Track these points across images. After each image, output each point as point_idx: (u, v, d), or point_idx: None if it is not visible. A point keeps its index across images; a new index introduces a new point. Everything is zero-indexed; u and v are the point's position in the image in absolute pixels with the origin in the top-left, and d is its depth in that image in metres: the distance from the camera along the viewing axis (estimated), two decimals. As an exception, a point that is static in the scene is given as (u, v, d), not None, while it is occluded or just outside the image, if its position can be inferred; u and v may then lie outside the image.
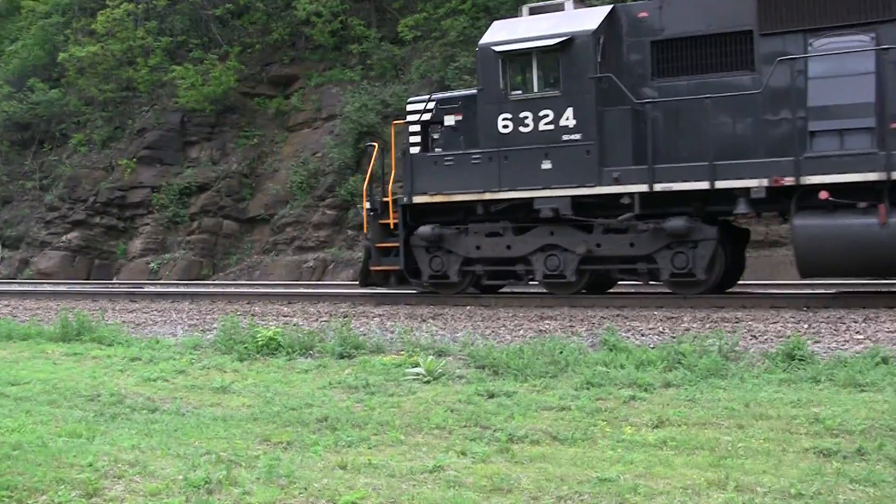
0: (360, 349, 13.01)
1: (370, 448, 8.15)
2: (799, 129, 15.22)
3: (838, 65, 15.01)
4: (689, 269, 16.05)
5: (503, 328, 14.51)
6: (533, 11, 17.81)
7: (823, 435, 7.94)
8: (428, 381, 10.88)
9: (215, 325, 15.76)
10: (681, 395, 9.60)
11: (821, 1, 15.31)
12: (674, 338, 12.48)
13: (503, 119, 17.17)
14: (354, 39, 34.84)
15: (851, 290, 16.79)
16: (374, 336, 13.89)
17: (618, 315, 15.05)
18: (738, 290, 17.57)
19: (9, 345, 15.48)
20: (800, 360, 10.74)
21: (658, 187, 16.00)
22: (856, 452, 7.38)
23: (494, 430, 8.48)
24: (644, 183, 16.10)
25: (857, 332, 12.48)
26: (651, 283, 16.97)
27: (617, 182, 16.31)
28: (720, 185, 15.57)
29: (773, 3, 15.63)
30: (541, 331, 13.97)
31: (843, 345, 11.81)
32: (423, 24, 32.91)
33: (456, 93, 19.77)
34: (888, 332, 12.41)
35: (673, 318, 14.46)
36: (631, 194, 16.25)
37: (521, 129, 16.99)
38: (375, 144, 19.74)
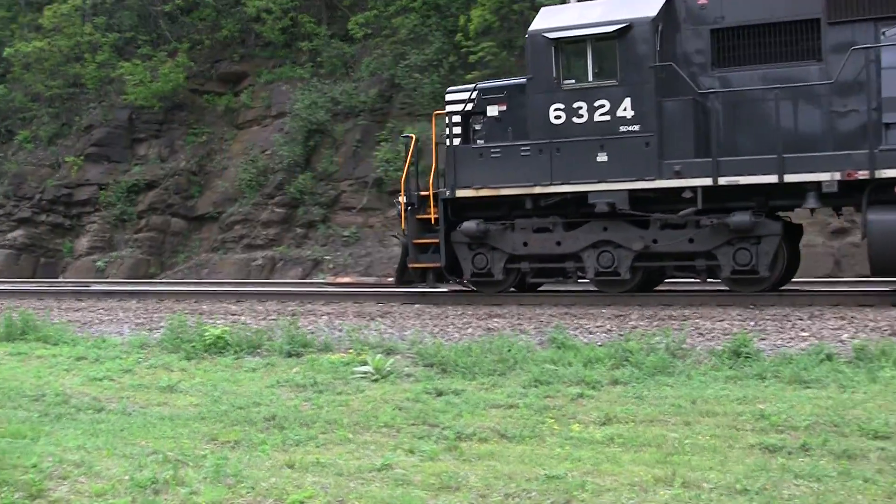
0: (308, 348, 12.97)
1: (318, 447, 8.14)
2: (873, 121, 14.69)
3: None
4: (753, 265, 15.45)
5: (451, 326, 14.50)
6: None
7: (769, 431, 8.02)
8: (376, 380, 10.86)
9: (162, 324, 15.63)
10: (628, 392, 9.65)
11: None
12: (622, 335, 12.51)
13: (555, 109, 16.41)
14: (304, 37, 34.71)
15: (796, 288, 16.93)
16: (323, 334, 13.81)
17: (566, 313, 15.08)
18: (686, 287, 17.62)
19: (-49, 344, 15.27)
20: (746, 357, 10.83)
21: (723, 181, 15.36)
22: (800, 448, 7.48)
23: (442, 429, 8.49)
24: (708, 176, 15.45)
25: (802, 330, 12.59)
26: (709, 280, 16.26)
27: (678, 175, 15.65)
28: (789, 178, 15.00)
29: None
30: (489, 329, 13.97)
31: (788, 342, 11.91)
32: (373, 22, 32.87)
33: (501, 81, 18.72)
34: (832, 329, 12.54)
35: (621, 315, 14.52)
36: (693, 188, 15.62)
37: (575, 119, 16.28)
38: (413, 136, 18.65)
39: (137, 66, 35.62)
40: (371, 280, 23.62)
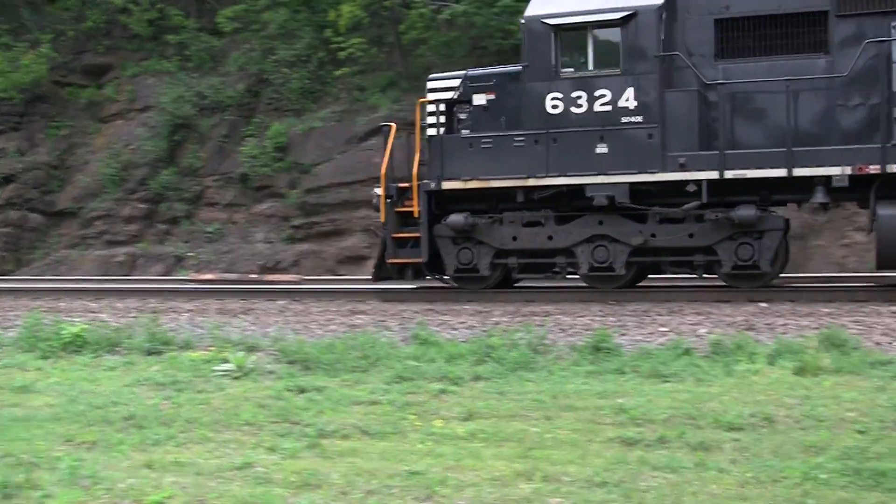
0: (168, 345, 12.74)
1: (177, 446, 8.00)
2: (884, 116, 14.64)
3: None
4: (755, 260, 15.32)
5: (314, 323, 14.42)
6: None
7: (627, 424, 8.15)
8: (238, 377, 10.72)
9: (18, 322, 15.19)
10: (490, 388, 9.70)
11: None
12: (484, 331, 12.58)
13: (552, 98, 15.88)
14: (172, 30, 34.12)
15: (657, 284, 17.25)
16: (184, 332, 13.62)
17: (429, 309, 15.13)
18: (548, 284, 17.52)
19: None
20: (606, 352, 10.99)
21: (729, 174, 15.10)
22: (658, 441, 7.62)
23: (304, 426, 8.42)
24: (714, 169, 15.16)
25: (661, 325, 12.86)
26: (705, 276, 16.07)
27: (683, 168, 15.32)
28: (798, 172, 14.84)
29: None
30: (352, 325, 13.93)
31: (647, 337, 12.14)
32: (242, 16, 32.50)
33: (488, 69, 17.94)
34: (691, 324, 12.84)
35: (483, 312, 14.62)
36: (698, 181, 15.34)
37: (574, 109, 15.77)
38: (392, 125, 17.68)
39: (-3, 57, 34.59)
40: (234, 276, 23.31)
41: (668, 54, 15.52)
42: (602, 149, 15.63)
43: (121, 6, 33.97)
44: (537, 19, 16.05)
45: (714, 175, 15.17)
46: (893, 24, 14.68)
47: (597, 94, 15.66)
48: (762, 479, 6.64)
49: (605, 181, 15.64)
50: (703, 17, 15.69)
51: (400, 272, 17.24)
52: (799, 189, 15.22)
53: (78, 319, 15.19)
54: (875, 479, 6.51)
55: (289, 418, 8.75)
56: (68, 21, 36.39)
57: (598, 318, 13.52)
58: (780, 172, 14.90)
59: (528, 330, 12.04)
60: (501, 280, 17.05)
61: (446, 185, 16.59)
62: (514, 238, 16.50)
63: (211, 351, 12.17)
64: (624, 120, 15.54)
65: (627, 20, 15.49)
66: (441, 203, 16.91)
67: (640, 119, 15.48)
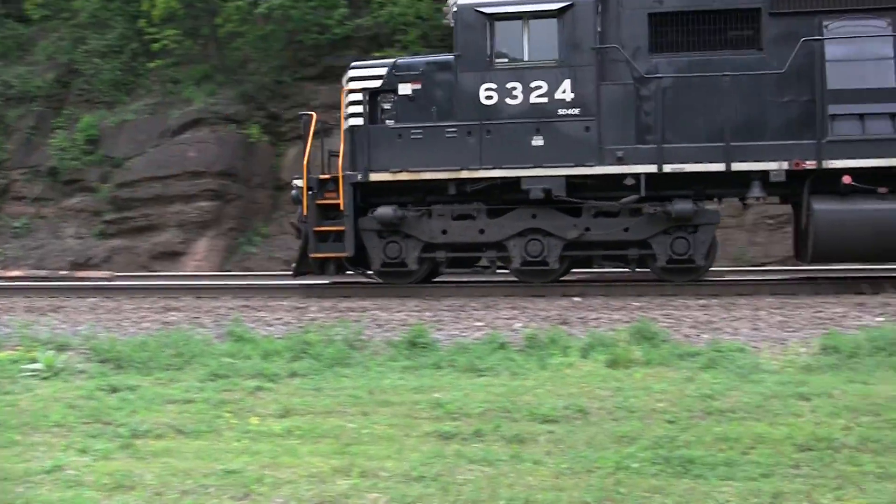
0: (-28, 346, 12.28)
1: (-18, 450, 7.73)
2: (819, 112, 14.88)
3: (858, 48, 14.75)
4: (690, 254, 15.44)
5: (127, 320, 14.06)
6: None
7: (444, 419, 8.26)
8: (47, 377, 10.39)
9: None
10: (307, 384, 9.68)
11: None
12: (301, 328, 12.53)
13: (486, 89, 15.63)
14: (-25, 16, 32.87)
15: (474, 281, 17.44)
16: (-11, 331, 13.15)
17: (244, 305, 14.99)
18: (364, 280, 17.44)
19: None
20: (422, 347, 11.07)
21: (668, 168, 15.18)
22: (474, 434, 7.76)
23: (117, 426, 8.26)
24: (652, 163, 15.21)
25: (477, 320, 13.02)
26: (638, 270, 16.00)
27: (621, 162, 15.29)
28: (737, 167, 15.05)
29: None
30: (166, 323, 13.65)
31: (464, 332, 12.26)
32: (52, 4, 31.48)
33: (415, 58, 17.52)
34: (506, 319, 13.05)
35: (300, 308, 14.57)
36: (636, 175, 15.31)
37: (509, 100, 15.56)
38: (312, 115, 16.89)
39: None
40: (43, 273, 22.59)
41: (604, 47, 15.53)
42: (538, 141, 15.54)
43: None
44: (471, 8, 15.82)
45: (652, 169, 15.27)
46: (825, 23, 15.02)
47: (532, 85, 15.56)
48: (576, 469, 6.84)
49: (542, 174, 15.56)
50: (636, 12, 15.66)
51: (321, 267, 16.75)
52: (735, 184, 15.51)
53: None
54: (684, 467, 6.80)
55: (101, 418, 8.55)
56: None
57: (414, 314, 13.62)
58: (719, 167, 15.13)
59: (344, 326, 12.05)
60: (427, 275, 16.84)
61: (374, 176, 16.15)
62: (444, 231, 16.22)
63: (18, 350, 11.77)
64: (560, 112, 15.48)
65: (564, 11, 15.46)
66: (365, 196, 16.51)
67: (576, 111, 15.46)
